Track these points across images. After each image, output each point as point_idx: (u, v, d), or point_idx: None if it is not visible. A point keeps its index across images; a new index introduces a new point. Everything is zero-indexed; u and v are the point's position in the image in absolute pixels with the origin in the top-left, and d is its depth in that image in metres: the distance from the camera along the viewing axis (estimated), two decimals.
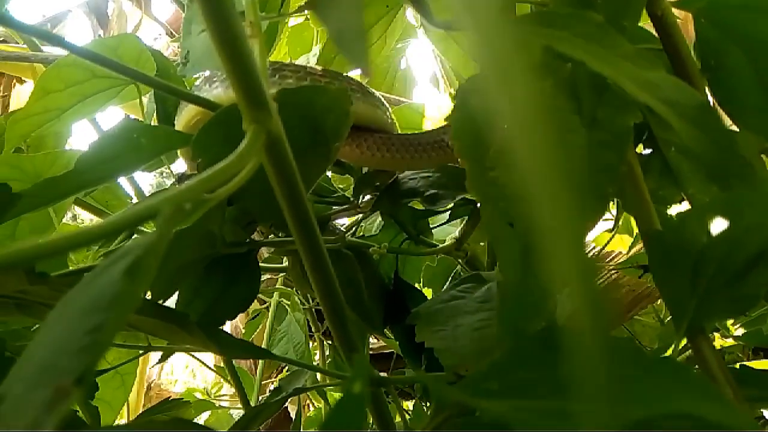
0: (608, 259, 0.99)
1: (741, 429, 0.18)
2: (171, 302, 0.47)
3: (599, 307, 0.11)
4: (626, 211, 0.38)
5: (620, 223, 0.53)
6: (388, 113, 0.47)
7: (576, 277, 0.11)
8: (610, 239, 0.77)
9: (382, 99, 0.47)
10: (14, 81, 1.26)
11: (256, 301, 1.06)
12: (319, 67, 0.46)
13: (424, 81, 1.23)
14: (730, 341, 0.63)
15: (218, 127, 0.36)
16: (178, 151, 0.49)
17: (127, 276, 0.17)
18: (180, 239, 0.37)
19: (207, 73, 0.46)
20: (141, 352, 0.52)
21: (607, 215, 0.58)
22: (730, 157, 0.27)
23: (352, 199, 0.52)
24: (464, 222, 0.63)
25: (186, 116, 0.44)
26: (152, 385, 1.74)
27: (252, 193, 0.40)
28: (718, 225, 0.32)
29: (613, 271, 1.03)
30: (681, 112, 0.24)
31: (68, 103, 0.51)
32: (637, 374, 0.20)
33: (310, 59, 0.84)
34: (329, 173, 0.55)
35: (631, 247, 0.94)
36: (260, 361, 1.02)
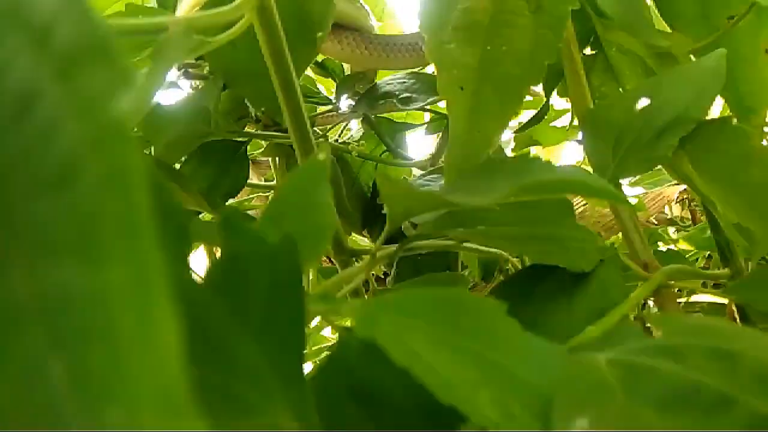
0: None
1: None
2: None
3: None
4: (566, 95, 0.44)
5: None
6: (369, 15, 0.52)
7: None
8: None
9: (362, 2, 0.52)
10: None
11: None
12: None
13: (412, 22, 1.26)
14: None
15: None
16: None
17: None
18: (179, 109, 0.42)
19: None
20: None
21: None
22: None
23: (333, 100, 0.57)
24: (439, 137, 0.69)
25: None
26: None
27: (246, 77, 0.45)
28: (641, 104, 0.38)
29: (582, 203, 1.10)
30: None
31: None
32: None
33: None
34: (313, 75, 0.60)
35: None
36: None
